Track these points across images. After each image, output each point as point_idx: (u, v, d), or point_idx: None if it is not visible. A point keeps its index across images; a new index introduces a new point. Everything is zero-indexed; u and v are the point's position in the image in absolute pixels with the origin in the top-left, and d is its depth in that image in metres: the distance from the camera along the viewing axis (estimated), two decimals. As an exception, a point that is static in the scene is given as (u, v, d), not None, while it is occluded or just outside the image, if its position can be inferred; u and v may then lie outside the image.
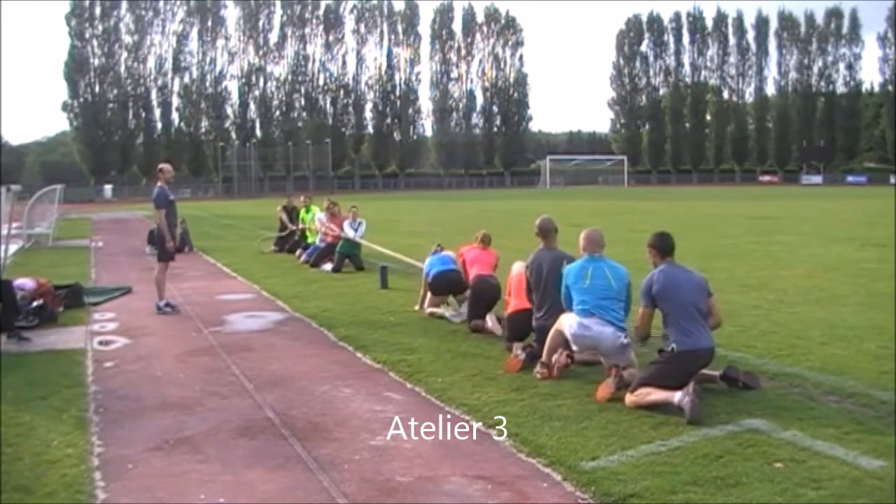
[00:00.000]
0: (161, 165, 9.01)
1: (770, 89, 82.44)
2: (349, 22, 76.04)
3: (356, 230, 12.31)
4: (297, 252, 13.82)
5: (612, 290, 5.30)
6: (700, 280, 5.07)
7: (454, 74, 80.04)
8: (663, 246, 5.15)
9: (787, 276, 10.31)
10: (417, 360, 6.08)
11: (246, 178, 64.18)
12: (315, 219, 13.63)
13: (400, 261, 10.98)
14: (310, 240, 13.84)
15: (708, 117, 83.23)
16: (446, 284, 7.90)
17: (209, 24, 70.91)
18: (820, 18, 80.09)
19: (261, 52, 72.66)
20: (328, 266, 12.08)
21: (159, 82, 69.64)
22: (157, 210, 8.64)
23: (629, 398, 4.74)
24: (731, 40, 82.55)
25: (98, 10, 66.21)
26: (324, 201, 13.82)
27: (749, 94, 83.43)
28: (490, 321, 7.02)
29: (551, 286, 5.84)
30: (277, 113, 73.69)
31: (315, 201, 15.24)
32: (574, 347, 5.40)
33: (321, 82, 74.99)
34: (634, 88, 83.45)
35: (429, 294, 8.07)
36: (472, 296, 7.31)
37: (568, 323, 5.35)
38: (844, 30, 79.72)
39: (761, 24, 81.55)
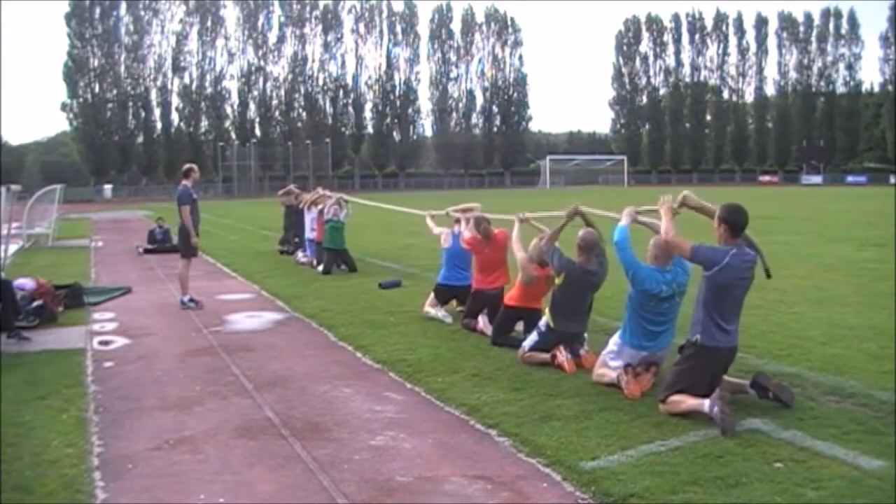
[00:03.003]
0: (191, 165, 9.37)
1: (770, 89, 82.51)
2: (348, 22, 76.10)
3: (340, 214, 12.08)
4: (298, 254, 13.75)
5: (669, 317, 5.18)
6: (753, 265, 4.57)
7: (453, 74, 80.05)
8: (737, 221, 4.51)
9: (787, 276, 10.30)
10: (417, 360, 6.08)
11: (246, 178, 64.15)
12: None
13: (398, 261, 10.98)
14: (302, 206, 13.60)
15: (708, 117, 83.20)
16: (452, 294, 7.91)
17: (208, 24, 70.86)
18: (818, 18, 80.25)
19: (260, 52, 72.64)
20: (320, 267, 11.85)
21: (158, 82, 69.58)
22: (181, 207, 8.98)
23: (662, 407, 4.60)
24: (732, 40, 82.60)
25: (97, 11, 66.18)
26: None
27: (749, 94, 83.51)
28: (482, 321, 7.04)
29: (583, 304, 5.93)
30: (277, 113, 73.68)
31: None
32: (613, 363, 5.33)
33: (320, 82, 74.97)
34: (634, 88, 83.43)
35: (431, 295, 8.07)
36: (472, 298, 7.36)
37: (610, 350, 5.30)
38: (844, 30, 79.78)
39: (761, 23, 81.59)
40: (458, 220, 8.16)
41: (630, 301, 5.20)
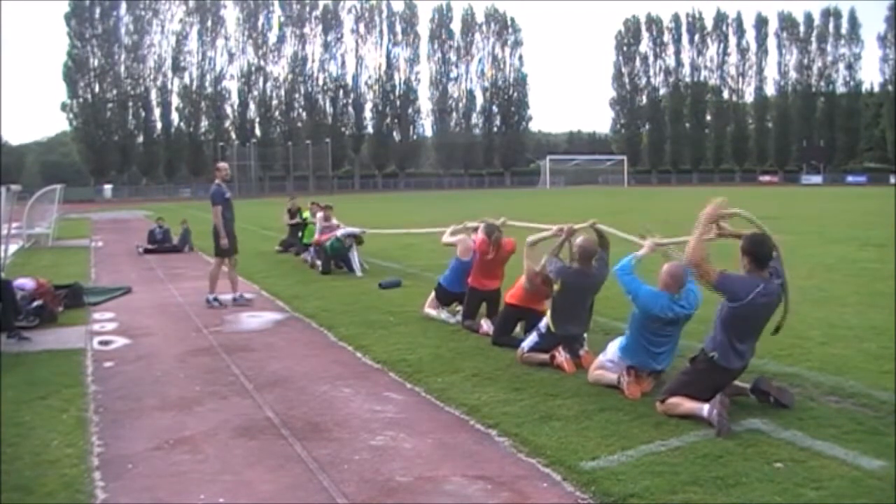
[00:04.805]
0: (218, 164, 9.54)
1: (770, 89, 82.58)
2: (348, 22, 76.16)
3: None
4: (304, 255, 13.71)
5: (673, 339, 5.12)
6: (780, 292, 4.55)
7: (453, 74, 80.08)
8: (762, 253, 4.50)
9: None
10: (417, 360, 6.08)
11: (246, 178, 64.11)
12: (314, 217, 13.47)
13: (398, 261, 10.97)
14: (306, 240, 13.61)
15: (708, 117, 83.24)
16: (454, 298, 7.90)
17: (208, 23, 70.94)
18: (818, 18, 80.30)
19: (260, 52, 72.70)
20: (319, 263, 11.84)
21: (158, 82, 69.71)
22: (213, 207, 9.03)
23: (660, 407, 4.60)
24: (732, 40, 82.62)
25: (97, 11, 66.22)
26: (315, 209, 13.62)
27: (749, 94, 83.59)
28: (485, 325, 7.03)
29: (584, 307, 5.95)
30: (277, 113, 73.72)
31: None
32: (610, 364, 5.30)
33: (320, 82, 75.01)
34: (634, 88, 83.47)
35: (431, 295, 8.07)
36: (468, 296, 7.37)
37: (610, 359, 5.26)
38: (844, 30, 79.83)
39: (761, 23, 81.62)
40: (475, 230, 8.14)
41: (633, 319, 5.15)
